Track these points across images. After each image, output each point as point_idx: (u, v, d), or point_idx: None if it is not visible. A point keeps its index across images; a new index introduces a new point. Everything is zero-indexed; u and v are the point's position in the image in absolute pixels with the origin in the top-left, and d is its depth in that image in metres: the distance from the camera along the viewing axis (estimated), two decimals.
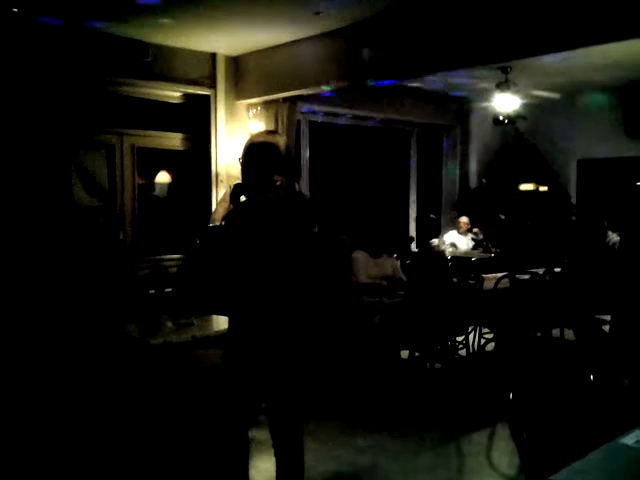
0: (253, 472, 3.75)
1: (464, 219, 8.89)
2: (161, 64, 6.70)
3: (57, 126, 6.15)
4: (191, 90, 7.10)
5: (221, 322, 4.03)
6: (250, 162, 2.84)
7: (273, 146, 2.84)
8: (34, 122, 5.90)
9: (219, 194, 7.28)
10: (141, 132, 6.92)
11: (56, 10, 5.55)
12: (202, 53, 7.08)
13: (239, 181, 2.94)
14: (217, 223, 2.94)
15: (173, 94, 7.15)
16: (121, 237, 6.63)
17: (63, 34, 5.96)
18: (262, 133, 3.01)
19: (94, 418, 4.19)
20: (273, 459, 3.98)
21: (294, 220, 2.86)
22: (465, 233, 8.85)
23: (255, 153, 2.84)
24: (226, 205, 2.96)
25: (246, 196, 2.88)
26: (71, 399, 4.41)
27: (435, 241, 6.07)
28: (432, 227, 6.21)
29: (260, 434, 4.31)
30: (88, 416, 4.22)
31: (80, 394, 4.42)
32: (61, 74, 6.05)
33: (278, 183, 2.79)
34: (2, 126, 5.68)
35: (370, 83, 6.60)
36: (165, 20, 5.83)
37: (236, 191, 2.89)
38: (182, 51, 6.88)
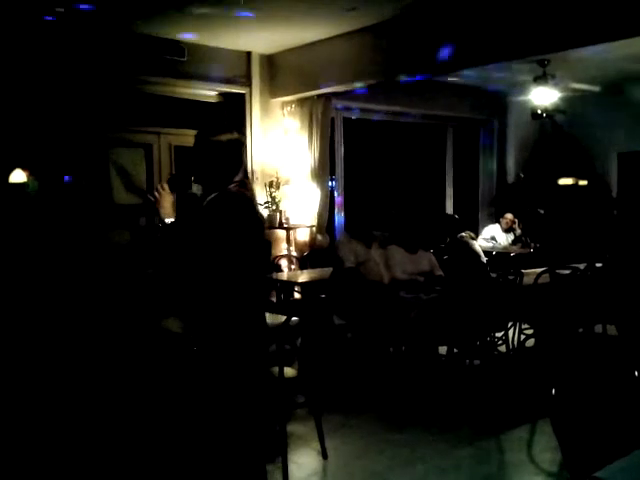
0: (292, 467, 3.78)
1: (509, 216, 8.77)
2: (197, 64, 6.78)
3: (96, 126, 6.27)
4: (227, 89, 7.17)
5: None
6: (220, 157, 2.89)
7: (241, 144, 2.98)
8: (74, 122, 6.03)
9: (255, 191, 7.32)
10: (178, 131, 7.01)
11: (96, 12, 5.65)
12: (237, 52, 7.14)
13: (174, 172, 2.99)
14: (172, 218, 2.91)
15: (209, 93, 7.22)
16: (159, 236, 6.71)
17: (102, 36, 6.07)
18: (228, 129, 3.01)
19: (133, 411, 4.26)
20: (312, 453, 4.04)
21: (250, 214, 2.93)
22: (508, 230, 8.75)
23: (226, 149, 2.91)
24: (171, 198, 2.95)
25: (205, 188, 2.94)
26: (111, 391, 4.49)
27: (463, 234, 6.00)
28: (453, 226, 6.13)
29: (298, 429, 4.36)
30: (126, 409, 4.30)
31: (121, 387, 4.50)
32: (99, 75, 6.16)
33: (237, 178, 2.89)
34: (43, 126, 5.81)
35: (404, 79, 6.57)
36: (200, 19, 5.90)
37: (177, 182, 2.96)
38: (217, 50, 6.95)
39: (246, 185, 2.94)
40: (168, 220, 2.89)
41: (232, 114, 7.34)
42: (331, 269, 5.72)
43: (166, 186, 2.93)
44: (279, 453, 3.71)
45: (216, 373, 2.89)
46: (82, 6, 5.44)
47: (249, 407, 2.95)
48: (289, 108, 7.52)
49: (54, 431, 4.13)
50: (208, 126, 3.01)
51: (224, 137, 2.93)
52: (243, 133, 7.23)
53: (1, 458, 3.77)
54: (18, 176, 5.69)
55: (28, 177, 5.74)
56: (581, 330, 5.83)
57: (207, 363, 2.90)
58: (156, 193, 2.90)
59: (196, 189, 3.07)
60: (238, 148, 2.96)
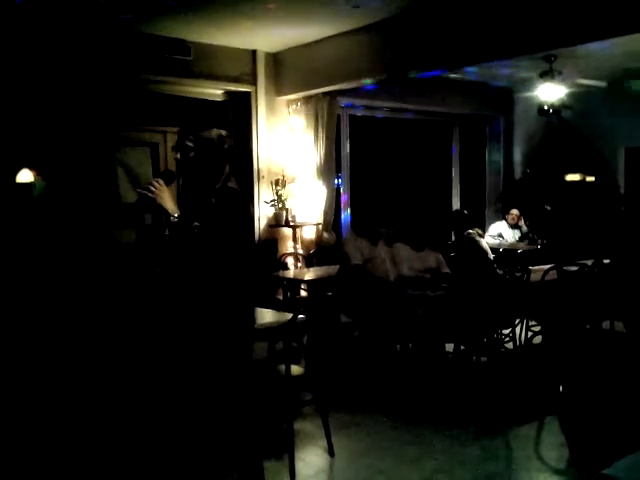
0: (299, 464, 3.79)
1: (515, 211, 8.78)
2: (203, 62, 6.78)
3: (103, 125, 6.28)
4: (232, 87, 7.17)
5: (265, 315, 4.06)
6: (213, 153, 3.06)
7: (227, 139, 3.14)
8: (80, 121, 6.05)
9: (261, 189, 7.34)
10: None
11: (101, 12, 5.65)
12: (243, 50, 7.14)
13: (169, 169, 3.11)
14: (178, 212, 2.95)
15: (215, 92, 7.23)
16: (167, 233, 6.72)
17: (108, 36, 6.08)
18: (214, 125, 3.12)
19: (139, 412, 4.27)
20: (319, 451, 4.05)
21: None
22: (515, 225, 8.76)
23: (217, 145, 3.08)
24: (169, 192, 2.97)
25: (203, 185, 3.08)
26: (112, 388, 4.50)
27: (471, 231, 5.99)
28: (462, 221, 6.13)
29: (305, 426, 4.36)
30: (131, 410, 4.30)
31: (125, 386, 4.51)
32: (106, 74, 6.18)
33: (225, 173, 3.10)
34: (50, 126, 5.83)
35: (409, 76, 6.55)
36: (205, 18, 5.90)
37: (172, 176, 3.06)
38: (223, 49, 6.95)
39: (231, 179, 3.13)
40: (176, 215, 2.91)
41: (238, 112, 7.35)
42: (337, 267, 5.72)
43: (161, 181, 2.94)
44: (286, 450, 3.72)
45: (204, 367, 2.95)
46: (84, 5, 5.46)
47: (240, 401, 2.97)
48: (295, 106, 7.52)
49: (54, 425, 4.15)
50: (195, 123, 3.07)
51: (214, 133, 2.97)
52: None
53: (1, 457, 3.78)
54: (25, 176, 5.71)
55: (35, 177, 5.76)
56: (588, 327, 5.80)
57: (195, 355, 2.94)
58: (153, 189, 2.89)
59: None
60: (225, 143, 3.10)
